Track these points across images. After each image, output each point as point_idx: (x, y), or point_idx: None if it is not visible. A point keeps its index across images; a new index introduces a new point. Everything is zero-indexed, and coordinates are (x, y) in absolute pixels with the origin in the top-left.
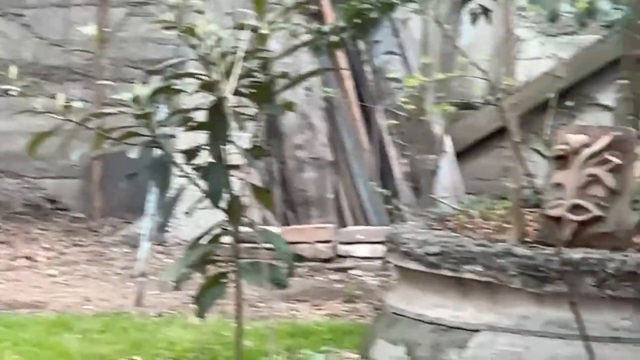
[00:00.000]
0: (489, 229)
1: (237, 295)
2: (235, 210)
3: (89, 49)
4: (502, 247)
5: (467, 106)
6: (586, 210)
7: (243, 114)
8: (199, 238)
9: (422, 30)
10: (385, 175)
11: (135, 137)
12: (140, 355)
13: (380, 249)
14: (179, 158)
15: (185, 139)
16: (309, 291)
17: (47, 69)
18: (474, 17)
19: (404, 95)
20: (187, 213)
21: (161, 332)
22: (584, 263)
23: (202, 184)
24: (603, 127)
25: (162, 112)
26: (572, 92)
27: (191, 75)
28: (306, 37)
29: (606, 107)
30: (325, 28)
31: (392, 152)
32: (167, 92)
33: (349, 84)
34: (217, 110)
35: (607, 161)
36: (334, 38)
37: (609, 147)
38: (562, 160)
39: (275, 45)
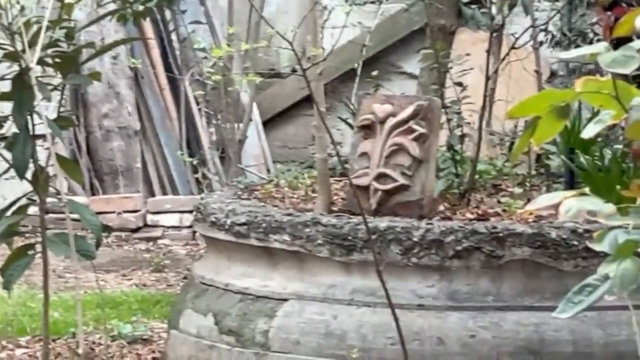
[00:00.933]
0: (297, 198)
1: (44, 266)
2: (41, 181)
3: None
4: (309, 217)
5: (274, 75)
6: (392, 179)
7: (48, 84)
8: (5, 209)
9: None
10: (192, 144)
11: None
12: None
13: (188, 218)
14: None
15: None
16: (117, 261)
17: None
18: None
19: (210, 65)
20: None
21: None
22: (390, 231)
23: (7, 154)
24: (408, 97)
25: None
26: (377, 60)
27: None
28: (112, 6)
29: (411, 76)
30: None
31: (199, 121)
32: None
33: (156, 53)
34: (21, 81)
35: (412, 130)
36: (139, 7)
37: (413, 117)
38: (367, 129)
39: (80, 14)
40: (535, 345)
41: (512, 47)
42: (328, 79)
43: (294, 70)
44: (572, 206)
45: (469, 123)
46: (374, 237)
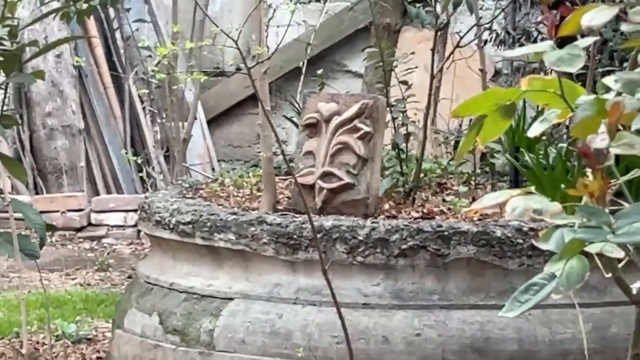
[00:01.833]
0: (242, 197)
1: None
2: None
3: None
4: (254, 215)
5: (219, 74)
6: (337, 177)
7: None
8: None
9: None
10: (137, 143)
11: None
12: None
13: (133, 217)
14: None
15: None
16: (61, 260)
17: None
18: None
19: (155, 64)
20: None
21: None
22: (335, 230)
23: None
24: (353, 95)
25: None
26: (322, 59)
27: None
28: (55, 5)
29: (356, 74)
30: None
31: (143, 120)
32: None
33: (100, 51)
34: None
35: (357, 129)
36: (83, 5)
37: (359, 115)
38: (313, 128)
39: (24, 12)
40: (480, 344)
41: (457, 46)
42: (273, 77)
43: (238, 69)
44: (518, 205)
45: (414, 122)
46: (319, 236)
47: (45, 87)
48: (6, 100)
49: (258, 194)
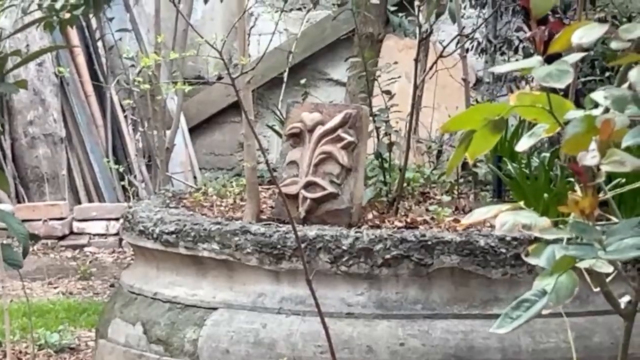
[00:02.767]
0: (225, 206)
1: None
2: None
3: None
4: (238, 225)
5: (202, 83)
6: (320, 187)
7: None
8: None
9: (155, 6)
10: (119, 151)
11: None
12: None
13: (115, 226)
14: None
15: None
16: (43, 269)
17: None
18: None
19: (137, 73)
20: None
21: None
22: (319, 240)
23: None
24: (337, 105)
25: None
26: (304, 67)
27: None
28: (38, 14)
29: (338, 83)
30: (57, 5)
31: (125, 128)
32: None
33: (82, 60)
34: None
35: (340, 139)
36: (66, 15)
37: (342, 125)
38: (296, 137)
39: (5, 22)
40: (464, 353)
41: (440, 56)
42: (254, 85)
43: (220, 78)
44: (507, 220)
45: (397, 131)
46: (303, 245)
47: (27, 96)
48: None
49: (241, 203)
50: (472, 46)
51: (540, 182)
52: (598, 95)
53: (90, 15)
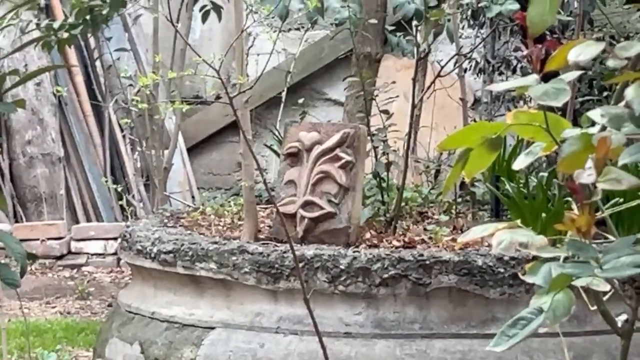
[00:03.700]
0: (223, 226)
1: None
2: None
3: None
4: (235, 245)
5: (200, 102)
6: (318, 206)
7: None
8: None
9: (153, 25)
10: (117, 171)
11: None
12: None
13: (113, 245)
14: None
15: None
16: (41, 289)
17: None
18: (205, 16)
19: (135, 92)
20: None
21: None
22: (317, 259)
23: None
24: (334, 124)
25: None
26: (302, 87)
27: None
28: (36, 33)
29: (336, 102)
30: (55, 25)
31: (124, 148)
32: None
33: (80, 80)
34: None
35: (338, 158)
36: (64, 34)
37: (340, 144)
38: (294, 157)
39: (4, 41)
40: None
41: (438, 75)
42: (253, 105)
43: (218, 97)
44: (504, 238)
45: (394, 150)
46: (300, 265)
47: (25, 115)
48: None
49: (239, 223)
50: (470, 66)
51: (538, 202)
52: (595, 114)
53: (89, 35)
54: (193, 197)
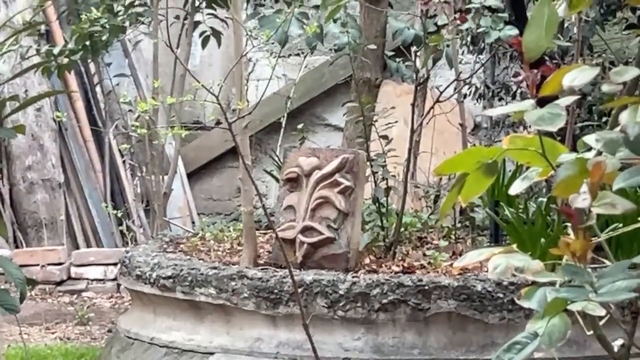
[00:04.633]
0: (223, 251)
1: None
2: None
3: None
4: (235, 270)
5: (200, 128)
6: (317, 232)
7: None
8: None
9: (153, 51)
10: (117, 196)
11: None
12: None
13: (113, 271)
14: None
15: None
16: (40, 314)
17: None
18: (205, 41)
19: (135, 118)
20: None
21: None
22: (316, 284)
23: None
24: (334, 150)
25: None
26: (302, 112)
27: None
28: (36, 59)
29: (336, 128)
30: (55, 50)
31: (124, 173)
32: None
33: (80, 105)
34: None
35: (337, 183)
36: (64, 60)
37: (339, 170)
38: (293, 182)
39: (4, 67)
40: None
41: (437, 101)
42: (253, 130)
43: (218, 123)
44: (500, 263)
45: (394, 176)
46: (300, 290)
47: (25, 141)
48: None
49: (239, 248)
50: (470, 91)
51: (537, 227)
52: (590, 138)
53: (89, 61)
54: (193, 222)
